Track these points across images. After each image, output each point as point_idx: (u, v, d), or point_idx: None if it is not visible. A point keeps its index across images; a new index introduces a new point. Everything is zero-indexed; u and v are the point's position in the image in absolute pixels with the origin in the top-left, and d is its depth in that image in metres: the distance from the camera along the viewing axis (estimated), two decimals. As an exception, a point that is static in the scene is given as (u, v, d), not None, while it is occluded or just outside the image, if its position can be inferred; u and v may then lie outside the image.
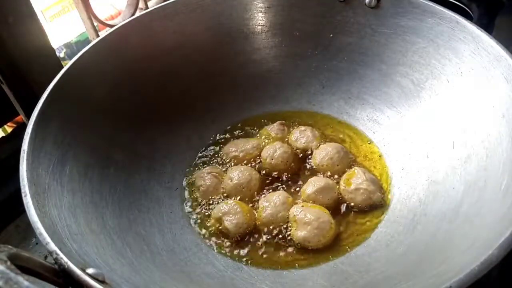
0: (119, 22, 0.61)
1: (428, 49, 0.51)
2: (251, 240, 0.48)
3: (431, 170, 0.48)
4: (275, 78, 0.62)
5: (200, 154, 0.57)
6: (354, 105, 0.59)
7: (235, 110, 0.61)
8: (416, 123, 0.53)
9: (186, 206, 0.52)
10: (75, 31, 0.95)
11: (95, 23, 0.66)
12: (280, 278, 0.44)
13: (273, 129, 0.58)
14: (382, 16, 0.54)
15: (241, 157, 0.55)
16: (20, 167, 0.36)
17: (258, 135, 0.59)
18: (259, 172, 0.54)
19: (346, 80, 0.59)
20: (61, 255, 0.30)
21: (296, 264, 0.45)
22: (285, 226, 0.48)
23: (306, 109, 0.61)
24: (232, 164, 0.55)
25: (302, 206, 0.48)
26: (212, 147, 0.58)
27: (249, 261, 0.46)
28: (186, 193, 0.53)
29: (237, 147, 0.56)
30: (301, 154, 0.56)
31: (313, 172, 0.54)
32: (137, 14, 0.59)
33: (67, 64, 0.47)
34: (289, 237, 0.47)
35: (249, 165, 0.55)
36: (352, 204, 0.49)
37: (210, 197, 0.52)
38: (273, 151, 0.54)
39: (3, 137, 0.64)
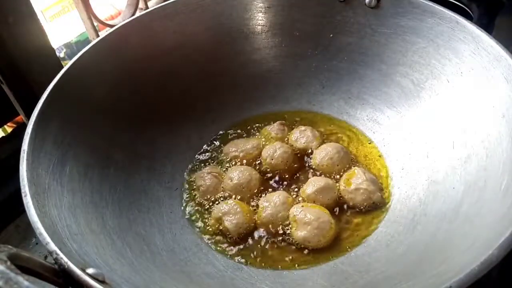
0: (119, 22, 0.61)
1: (428, 49, 0.51)
2: (251, 240, 0.48)
3: (431, 170, 0.48)
4: (275, 78, 0.62)
5: (200, 154, 0.57)
6: (354, 105, 0.59)
7: (235, 110, 0.61)
8: (416, 123, 0.53)
9: (186, 206, 0.52)
10: (75, 31, 0.95)
11: (95, 23, 0.66)
12: (280, 278, 0.44)
13: (273, 129, 0.58)
14: (382, 16, 0.54)
15: (241, 157, 0.55)
16: (20, 167, 0.36)
17: (258, 135, 0.59)
18: (259, 172, 0.54)
19: (346, 80, 0.59)
20: (61, 255, 0.30)
21: (296, 264, 0.45)
22: (285, 226, 0.48)
23: (306, 109, 0.61)
24: (232, 164, 0.55)
25: (302, 206, 0.48)
26: (212, 147, 0.58)
27: (249, 261, 0.46)
28: (186, 193, 0.53)
29: (237, 147, 0.56)
30: (301, 154, 0.56)
31: (313, 172, 0.54)
32: (137, 14, 0.59)
33: (67, 64, 0.47)
34: (289, 237, 0.47)
35: (249, 165, 0.55)
36: (352, 204, 0.49)
37: (210, 197, 0.52)
38: (273, 151, 0.54)
39: (3, 137, 0.64)
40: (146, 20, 0.55)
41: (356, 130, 0.58)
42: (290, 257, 0.46)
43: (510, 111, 0.40)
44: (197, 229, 0.49)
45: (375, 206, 0.49)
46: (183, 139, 0.57)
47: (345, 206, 0.50)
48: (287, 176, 0.54)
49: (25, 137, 0.39)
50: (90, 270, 0.29)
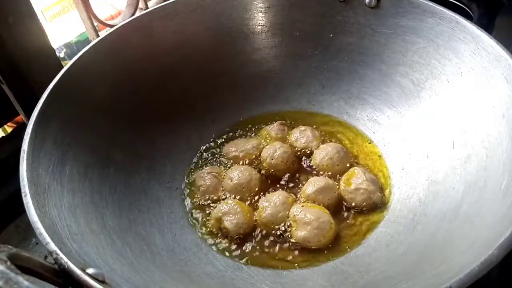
0: (119, 22, 0.61)
1: (428, 49, 0.51)
2: (251, 240, 0.48)
3: (431, 170, 0.48)
4: (275, 78, 0.62)
5: (200, 154, 0.57)
6: (354, 105, 0.59)
7: (235, 110, 0.61)
8: (416, 123, 0.53)
9: (186, 206, 0.52)
10: (75, 31, 0.95)
11: (95, 23, 0.66)
12: (280, 278, 0.44)
13: (273, 129, 0.58)
14: (382, 16, 0.54)
15: (241, 157, 0.55)
16: (20, 167, 0.36)
17: (258, 135, 0.59)
18: (259, 172, 0.54)
19: (346, 80, 0.59)
20: (61, 255, 0.30)
21: (296, 264, 0.45)
22: (285, 226, 0.48)
23: (306, 109, 0.61)
24: (232, 164, 0.55)
25: (302, 206, 0.48)
26: (212, 147, 0.58)
27: (249, 261, 0.46)
28: (186, 193, 0.53)
29: (237, 147, 0.56)
30: (301, 154, 0.56)
31: (313, 172, 0.54)
32: (137, 14, 0.59)
33: (67, 64, 0.47)
34: (289, 237, 0.47)
35: (249, 165, 0.55)
36: (352, 204, 0.49)
37: (210, 197, 0.52)
38: (273, 151, 0.54)
39: (3, 137, 0.64)
40: (146, 20, 0.55)
41: (356, 130, 0.58)
42: (290, 257, 0.46)
43: (510, 111, 0.40)
44: (197, 229, 0.49)
45: (375, 206, 0.49)
46: (183, 139, 0.57)
47: (345, 206, 0.50)
48: (287, 176, 0.54)
49: (25, 137, 0.39)
50: (90, 270, 0.29)
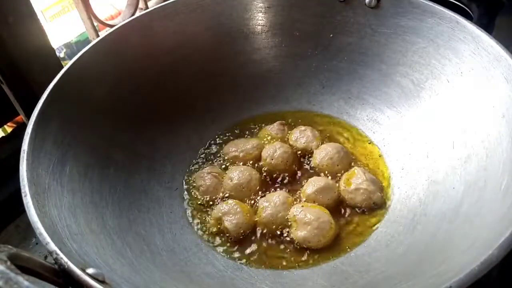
0: (119, 22, 0.61)
1: (428, 49, 0.51)
2: (251, 240, 0.48)
3: (431, 170, 0.48)
4: (275, 78, 0.62)
5: (200, 154, 0.57)
6: (354, 105, 0.59)
7: (235, 110, 0.61)
8: (416, 123, 0.53)
9: (186, 206, 0.52)
10: (75, 31, 0.95)
11: (95, 23, 0.66)
12: (280, 278, 0.44)
13: (273, 129, 0.58)
14: (382, 16, 0.54)
15: (241, 157, 0.55)
16: (20, 167, 0.36)
17: (258, 135, 0.59)
18: (259, 172, 0.54)
19: (346, 80, 0.59)
20: (61, 255, 0.30)
21: (296, 264, 0.45)
22: (285, 226, 0.48)
23: (306, 109, 0.61)
24: (232, 164, 0.55)
25: (302, 206, 0.48)
26: (212, 147, 0.58)
27: (249, 261, 0.46)
28: (186, 193, 0.53)
29: (237, 147, 0.56)
30: (301, 154, 0.56)
31: (313, 172, 0.54)
32: (137, 14, 0.59)
33: (67, 64, 0.47)
34: (289, 237, 0.47)
35: (249, 165, 0.55)
36: (352, 204, 0.49)
37: (210, 197, 0.52)
38: (273, 151, 0.54)
39: (3, 137, 0.64)
40: (146, 20, 0.55)
41: (356, 130, 0.58)
42: (290, 257, 0.46)
43: (510, 111, 0.40)
44: (197, 229, 0.49)
45: (375, 206, 0.49)
46: (183, 139, 0.57)
47: (345, 206, 0.50)
48: (287, 176, 0.54)
49: (25, 137, 0.39)
50: (90, 270, 0.30)
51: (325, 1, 0.57)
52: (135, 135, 0.53)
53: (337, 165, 0.53)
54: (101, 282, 0.29)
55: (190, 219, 0.50)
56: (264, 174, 0.54)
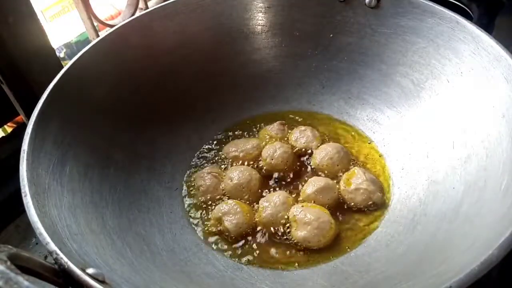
0: (119, 22, 0.61)
1: (428, 49, 0.51)
2: (251, 240, 0.48)
3: (431, 170, 0.48)
4: (275, 78, 0.62)
5: (200, 154, 0.57)
6: (354, 105, 0.59)
7: (235, 110, 0.61)
8: (416, 123, 0.53)
9: (186, 206, 0.52)
10: (75, 31, 0.95)
11: (95, 23, 0.66)
12: (280, 278, 0.44)
13: (273, 129, 0.58)
14: (382, 16, 0.54)
15: (241, 157, 0.55)
16: (20, 167, 0.36)
17: (258, 135, 0.59)
18: (259, 172, 0.54)
19: (346, 80, 0.59)
20: (61, 255, 0.30)
21: (296, 264, 0.45)
22: (285, 226, 0.48)
23: (306, 109, 0.61)
24: (232, 164, 0.55)
25: (302, 206, 0.48)
26: (212, 147, 0.58)
27: (249, 261, 0.46)
28: (186, 193, 0.53)
29: (237, 147, 0.56)
30: (301, 154, 0.56)
31: (313, 172, 0.54)
32: (137, 14, 0.59)
33: (67, 64, 0.47)
34: (289, 237, 0.47)
35: (249, 165, 0.55)
36: (352, 204, 0.49)
37: (210, 197, 0.52)
38: (273, 151, 0.54)
39: (3, 137, 0.64)
40: (146, 20, 0.55)
41: (356, 130, 0.58)
42: (290, 257, 0.46)
43: (510, 111, 0.40)
44: (197, 229, 0.49)
45: (375, 206, 0.49)
46: (183, 139, 0.57)
47: (345, 206, 0.50)
48: (287, 176, 0.54)
49: (25, 137, 0.39)
50: (90, 270, 0.29)
51: (325, 1, 0.57)
52: (135, 135, 0.53)
53: (337, 165, 0.53)
54: (101, 282, 0.29)
55: (190, 219, 0.50)
56: (264, 174, 0.54)
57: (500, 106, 0.41)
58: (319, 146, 0.55)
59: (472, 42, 0.46)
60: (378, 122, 0.57)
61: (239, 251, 0.47)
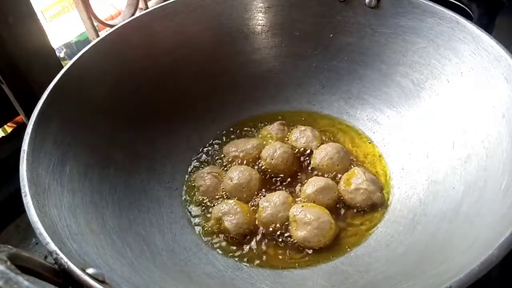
0: (119, 22, 0.61)
1: (428, 49, 0.51)
2: (251, 240, 0.48)
3: (431, 170, 0.48)
4: (275, 78, 0.62)
5: (200, 154, 0.57)
6: (354, 105, 0.59)
7: (235, 110, 0.61)
8: (416, 123, 0.53)
9: (186, 206, 0.52)
10: (75, 31, 0.95)
11: (95, 23, 0.66)
12: (280, 278, 0.44)
13: (273, 129, 0.58)
14: (382, 16, 0.54)
15: (241, 157, 0.55)
16: (20, 167, 0.36)
17: (258, 135, 0.59)
18: (259, 172, 0.54)
19: (346, 80, 0.59)
20: (61, 255, 0.30)
21: (296, 264, 0.45)
22: (285, 226, 0.48)
23: (306, 109, 0.61)
24: (232, 164, 0.55)
25: (302, 206, 0.48)
26: (212, 147, 0.58)
27: (249, 261, 0.46)
28: (186, 193, 0.53)
29: (237, 147, 0.56)
30: (301, 154, 0.56)
31: (313, 172, 0.54)
32: (137, 14, 0.59)
33: (67, 64, 0.47)
34: (289, 237, 0.47)
35: (249, 165, 0.55)
36: (352, 204, 0.49)
37: (210, 197, 0.52)
38: (273, 151, 0.54)
39: (3, 137, 0.64)
40: (146, 20, 0.55)
41: (356, 130, 0.58)
42: (290, 257, 0.46)
43: (510, 111, 0.40)
44: (197, 229, 0.49)
45: (375, 206, 0.49)
46: (183, 139, 0.57)
47: (345, 206, 0.50)
48: (287, 176, 0.54)
49: (25, 137, 0.39)
50: (90, 270, 0.30)
51: (325, 1, 0.57)
52: (135, 135, 0.53)
53: (337, 165, 0.53)
54: (101, 282, 0.29)
55: (190, 219, 0.50)
56: (264, 174, 0.54)
57: (500, 106, 0.41)
58: (319, 146, 0.55)
59: (472, 42, 0.46)
60: (378, 122, 0.57)
61: (239, 251, 0.47)
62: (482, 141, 0.42)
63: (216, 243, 0.48)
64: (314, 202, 0.49)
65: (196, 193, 0.52)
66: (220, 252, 0.47)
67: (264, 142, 0.57)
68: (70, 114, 0.45)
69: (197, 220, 0.50)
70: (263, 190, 0.52)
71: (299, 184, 0.52)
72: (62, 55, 0.93)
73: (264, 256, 0.46)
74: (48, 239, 0.31)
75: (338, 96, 0.60)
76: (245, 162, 0.55)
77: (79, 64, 0.48)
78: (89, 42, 0.53)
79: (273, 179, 0.54)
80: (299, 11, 0.58)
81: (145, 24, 0.55)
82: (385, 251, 0.44)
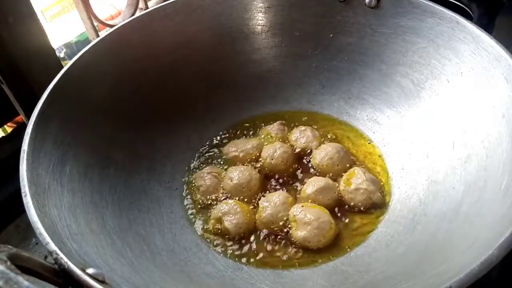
0: (119, 22, 0.61)
1: (428, 49, 0.51)
2: (251, 240, 0.48)
3: (431, 170, 0.48)
4: (275, 78, 0.62)
5: (200, 154, 0.57)
6: (354, 105, 0.59)
7: (235, 110, 0.61)
8: (416, 123, 0.53)
9: (186, 206, 0.52)
10: (75, 31, 0.95)
11: (95, 23, 0.66)
12: (280, 278, 0.44)
13: (273, 129, 0.58)
14: (382, 16, 0.54)
15: (241, 157, 0.55)
16: (20, 167, 0.36)
17: (258, 135, 0.59)
18: (259, 172, 0.54)
19: (346, 80, 0.59)
20: (61, 255, 0.30)
21: (296, 264, 0.45)
22: (285, 226, 0.48)
23: (306, 109, 0.61)
24: (232, 164, 0.55)
25: (302, 206, 0.48)
26: (212, 147, 0.58)
27: (249, 261, 0.46)
28: (186, 193, 0.53)
29: (237, 147, 0.56)
30: (301, 154, 0.56)
31: (313, 172, 0.54)
32: (137, 14, 0.59)
33: (67, 64, 0.47)
34: (289, 237, 0.47)
35: (249, 165, 0.55)
36: (352, 204, 0.49)
37: (210, 197, 0.52)
38: (273, 151, 0.54)
39: (3, 137, 0.64)
40: (146, 20, 0.55)
41: (356, 130, 0.58)
42: (290, 257, 0.46)
43: (510, 111, 0.40)
44: (197, 229, 0.49)
45: (375, 206, 0.49)
46: (183, 139, 0.57)
47: (345, 206, 0.50)
48: (287, 176, 0.54)
49: (25, 137, 0.39)
50: (90, 270, 0.30)
51: (325, 1, 0.57)
52: (135, 135, 0.53)
53: (337, 165, 0.53)
54: (101, 282, 0.29)
55: (190, 219, 0.50)
56: (264, 174, 0.54)
57: (500, 106, 0.41)
58: (319, 146, 0.55)
59: (472, 42, 0.46)
60: (378, 122, 0.57)
61: (239, 251, 0.47)
62: (482, 141, 0.42)
63: (216, 243, 0.48)
64: (314, 202, 0.49)
65: (196, 193, 0.52)
66: (220, 252, 0.47)
67: (264, 142, 0.57)
68: (70, 114, 0.45)
69: (197, 220, 0.50)
70: (263, 190, 0.52)
71: (299, 184, 0.52)
72: (62, 55, 0.93)
73: (264, 256, 0.46)
74: (48, 239, 0.31)
75: (338, 96, 0.60)
76: (245, 162, 0.55)
77: (79, 64, 0.48)
78: (89, 42, 0.53)
79: (273, 179, 0.54)
80: (299, 11, 0.58)
81: (145, 24, 0.55)
82: (385, 251, 0.44)
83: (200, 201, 0.52)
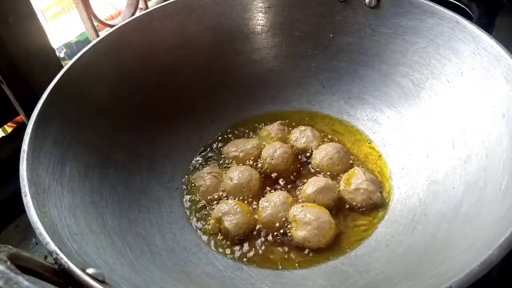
0: (119, 22, 0.61)
1: (428, 49, 0.51)
2: (251, 240, 0.48)
3: (431, 170, 0.48)
4: (275, 78, 0.62)
5: (200, 154, 0.57)
6: (354, 105, 0.59)
7: (235, 110, 0.61)
8: (416, 123, 0.53)
9: (186, 206, 0.52)
10: (75, 31, 0.95)
11: (95, 23, 0.66)
12: (280, 278, 0.44)
13: (273, 129, 0.58)
14: (382, 16, 0.54)
15: (241, 157, 0.55)
16: (20, 167, 0.36)
17: (258, 135, 0.59)
18: (259, 172, 0.54)
19: (346, 80, 0.59)
20: (61, 255, 0.30)
21: (296, 264, 0.45)
22: (285, 226, 0.48)
23: (306, 109, 0.61)
24: (232, 164, 0.55)
25: (302, 206, 0.48)
26: (212, 147, 0.58)
27: (249, 261, 0.46)
28: (186, 193, 0.53)
29: (237, 147, 0.56)
30: (301, 154, 0.56)
31: (313, 172, 0.54)
32: (137, 14, 0.59)
33: (67, 64, 0.47)
34: (289, 237, 0.47)
35: (249, 165, 0.55)
36: (352, 204, 0.49)
37: (210, 197, 0.52)
38: (273, 151, 0.54)
39: (3, 137, 0.64)
40: (146, 20, 0.55)
41: (356, 130, 0.58)
42: (290, 257, 0.46)
43: (510, 111, 0.40)
44: (197, 229, 0.49)
45: (375, 206, 0.49)
46: (183, 139, 0.57)
47: (345, 206, 0.50)
48: (287, 176, 0.54)
49: (25, 137, 0.39)
50: (90, 270, 0.29)
51: (325, 1, 0.57)
52: (135, 135, 0.53)
53: (337, 165, 0.53)
54: (101, 282, 0.29)
55: (190, 219, 0.50)
56: (264, 174, 0.54)
57: (500, 106, 0.41)
58: (319, 146, 0.55)
59: (472, 42, 0.46)
60: (378, 122, 0.57)
61: (239, 251, 0.47)
62: (482, 141, 0.42)
63: (216, 243, 0.48)
64: (314, 202, 0.49)
65: (196, 193, 0.52)
66: (220, 252, 0.47)
67: (264, 142, 0.57)
68: (70, 114, 0.45)
69: (197, 220, 0.50)
70: (263, 190, 0.52)
71: (299, 184, 0.52)
72: (62, 55, 0.93)
73: (264, 256, 0.46)
74: (48, 239, 0.31)
75: (338, 96, 0.60)
76: (245, 162, 0.55)
77: (79, 64, 0.48)
78: (89, 42, 0.53)
79: (273, 179, 0.54)
80: (299, 11, 0.58)
81: (145, 24, 0.55)
82: (385, 251, 0.44)
83: (200, 201, 0.52)
